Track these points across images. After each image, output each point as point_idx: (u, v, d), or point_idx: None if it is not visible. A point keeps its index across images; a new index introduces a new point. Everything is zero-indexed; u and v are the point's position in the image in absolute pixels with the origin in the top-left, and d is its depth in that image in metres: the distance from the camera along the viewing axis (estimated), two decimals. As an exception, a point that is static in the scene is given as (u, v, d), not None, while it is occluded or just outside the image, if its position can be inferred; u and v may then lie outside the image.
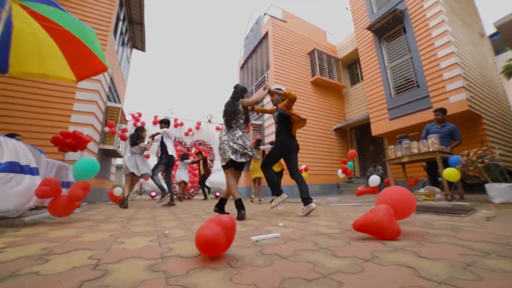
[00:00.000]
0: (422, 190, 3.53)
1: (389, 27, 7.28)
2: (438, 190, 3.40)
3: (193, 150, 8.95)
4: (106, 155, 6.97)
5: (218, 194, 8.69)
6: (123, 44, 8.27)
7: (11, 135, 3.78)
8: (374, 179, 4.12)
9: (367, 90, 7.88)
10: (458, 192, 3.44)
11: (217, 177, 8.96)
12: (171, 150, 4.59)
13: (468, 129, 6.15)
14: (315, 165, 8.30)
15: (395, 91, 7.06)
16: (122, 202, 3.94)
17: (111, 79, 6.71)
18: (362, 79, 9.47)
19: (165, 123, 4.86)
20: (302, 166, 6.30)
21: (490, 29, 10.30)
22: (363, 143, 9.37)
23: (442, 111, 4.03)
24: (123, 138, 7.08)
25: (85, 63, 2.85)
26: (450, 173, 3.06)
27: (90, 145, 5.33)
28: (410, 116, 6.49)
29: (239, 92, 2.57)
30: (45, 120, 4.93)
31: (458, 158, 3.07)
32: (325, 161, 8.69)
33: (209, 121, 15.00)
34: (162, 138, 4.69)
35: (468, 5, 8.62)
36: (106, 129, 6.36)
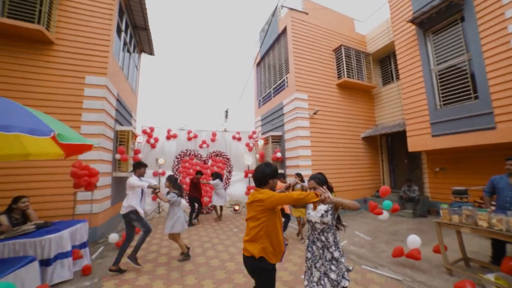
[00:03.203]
0: (492, 277, 2.76)
1: (440, 18, 5.81)
2: (516, 281, 2.61)
3: (210, 162, 8.54)
4: (123, 181, 6.75)
5: (237, 208, 8.35)
6: (128, 51, 7.66)
7: (17, 199, 3.52)
8: (415, 241, 3.27)
9: (405, 97, 6.67)
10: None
11: (235, 190, 8.58)
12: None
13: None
14: (341, 180, 7.52)
15: (442, 101, 5.85)
16: None
17: (118, 100, 6.25)
18: (397, 79, 8.10)
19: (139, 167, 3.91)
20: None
21: None
22: (395, 152, 8.30)
23: None
24: (136, 160, 6.79)
25: (73, 147, 3.50)
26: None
27: (101, 180, 5.06)
28: (461, 136, 5.36)
29: None
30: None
31: None
32: (352, 175, 7.86)
33: (226, 115, 14.71)
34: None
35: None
36: (118, 156, 6.07)
